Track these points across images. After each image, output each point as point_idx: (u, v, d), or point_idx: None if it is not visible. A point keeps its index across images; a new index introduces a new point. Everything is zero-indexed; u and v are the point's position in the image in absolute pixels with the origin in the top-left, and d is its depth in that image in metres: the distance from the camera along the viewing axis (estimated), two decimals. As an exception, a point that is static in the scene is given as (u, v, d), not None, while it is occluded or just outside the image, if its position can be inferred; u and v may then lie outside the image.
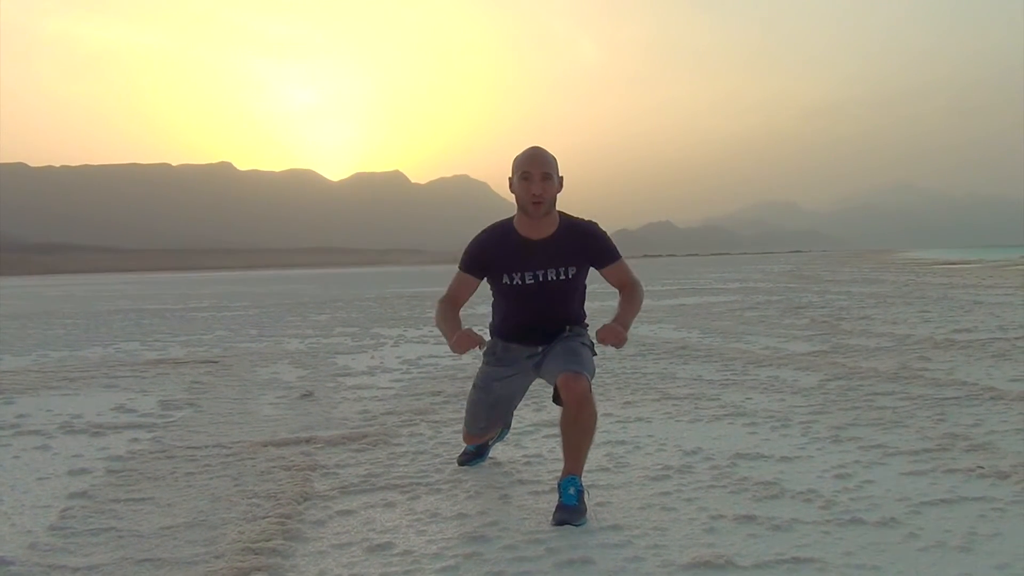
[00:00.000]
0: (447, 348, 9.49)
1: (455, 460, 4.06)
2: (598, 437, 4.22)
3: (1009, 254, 72.62)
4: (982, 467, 3.68)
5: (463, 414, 3.87)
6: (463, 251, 3.48)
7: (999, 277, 24.33)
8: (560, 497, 3.12)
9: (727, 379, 6.48)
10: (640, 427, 4.80)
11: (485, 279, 3.50)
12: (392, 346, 9.81)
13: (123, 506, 3.45)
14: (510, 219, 3.44)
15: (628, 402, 5.59)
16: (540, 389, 5.98)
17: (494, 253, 3.41)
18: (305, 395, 6.25)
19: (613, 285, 3.50)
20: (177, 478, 3.90)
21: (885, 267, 40.19)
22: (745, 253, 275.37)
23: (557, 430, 4.70)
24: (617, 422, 4.94)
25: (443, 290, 3.52)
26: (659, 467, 3.87)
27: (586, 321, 3.57)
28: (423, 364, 8.00)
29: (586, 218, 3.48)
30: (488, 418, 3.74)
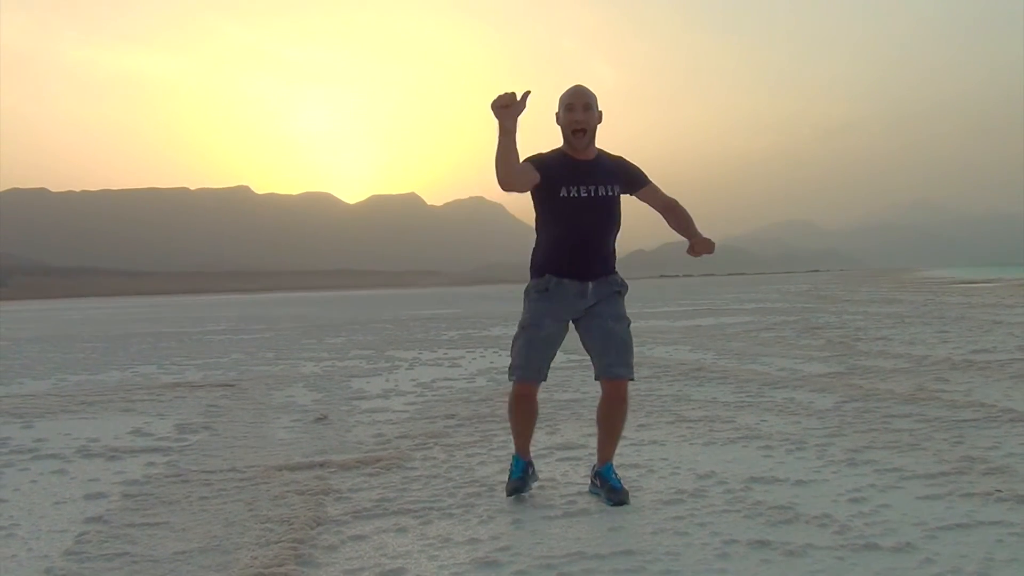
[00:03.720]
0: (461, 371, 9.37)
1: (504, 491, 3.83)
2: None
3: (1030, 272, 71.62)
4: (1000, 491, 3.63)
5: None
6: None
7: (1020, 296, 24.07)
8: (608, 482, 3.66)
9: (742, 401, 6.44)
10: (654, 450, 4.78)
11: (536, 198, 3.74)
12: (407, 369, 9.83)
13: (138, 531, 3.48)
14: (558, 148, 3.77)
15: (642, 425, 5.56)
16: (553, 413, 5.99)
17: (552, 164, 3.69)
18: (319, 419, 6.27)
19: (655, 206, 3.94)
20: (192, 502, 3.92)
21: (904, 286, 39.89)
22: (762, 273, 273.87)
23: (570, 453, 4.76)
24: (631, 445, 4.91)
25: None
26: (672, 491, 3.85)
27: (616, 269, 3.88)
28: (437, 387, 8.01)
29: None
30: (543, 356, 3.73)
